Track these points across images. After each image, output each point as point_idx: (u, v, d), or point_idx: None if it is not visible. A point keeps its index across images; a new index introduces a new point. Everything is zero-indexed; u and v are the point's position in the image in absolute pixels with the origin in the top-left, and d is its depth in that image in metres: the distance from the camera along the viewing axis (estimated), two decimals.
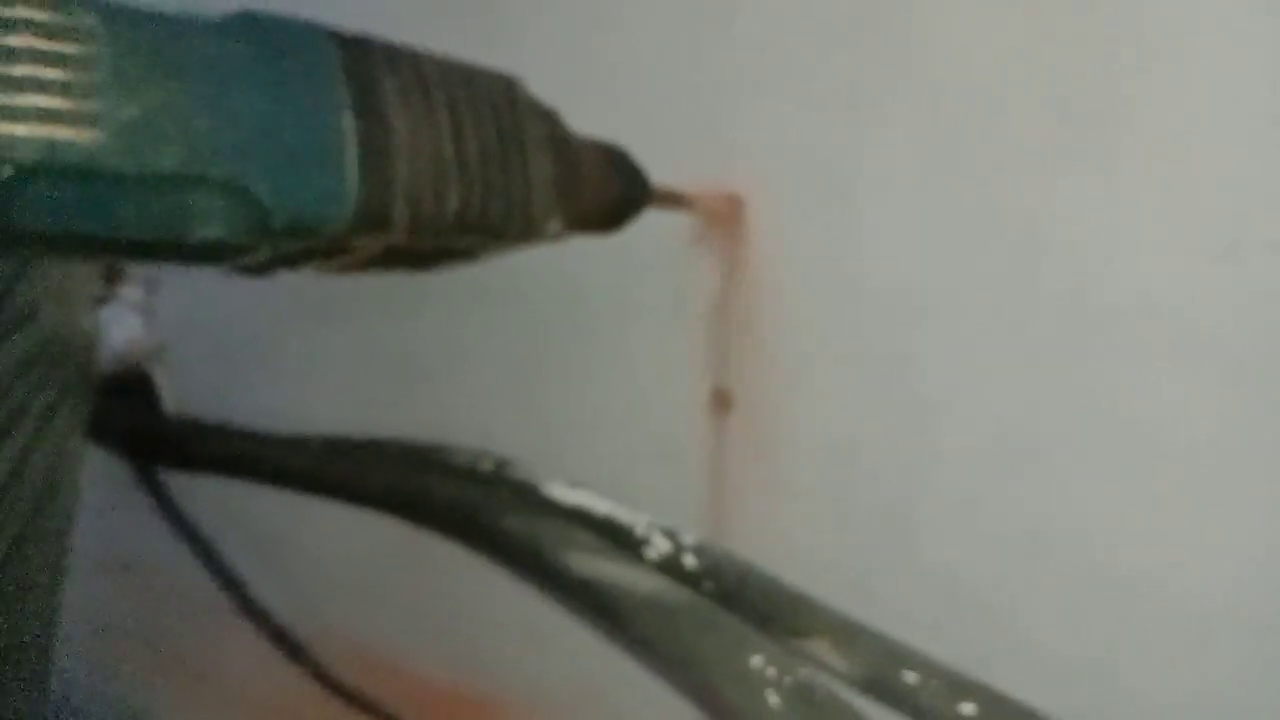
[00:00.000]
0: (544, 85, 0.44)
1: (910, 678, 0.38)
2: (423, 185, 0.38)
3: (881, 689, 0.39)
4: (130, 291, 0.83)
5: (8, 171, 0.29)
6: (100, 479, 0.76)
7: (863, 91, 0.51)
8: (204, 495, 0.74)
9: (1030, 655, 0.47)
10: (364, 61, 0.37)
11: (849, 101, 0.51)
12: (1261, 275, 0.41)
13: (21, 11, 0.29)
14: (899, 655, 0.39)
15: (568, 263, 0.51)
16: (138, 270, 0.83)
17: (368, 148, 0.36)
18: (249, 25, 0.35)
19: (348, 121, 0.36)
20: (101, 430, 0.72)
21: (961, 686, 0.38)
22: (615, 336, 0.60)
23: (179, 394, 0.83)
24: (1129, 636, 0.45)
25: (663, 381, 0.59)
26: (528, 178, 0.41)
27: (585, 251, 0.49)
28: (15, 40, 0.29)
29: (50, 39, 0.30)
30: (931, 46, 0.49)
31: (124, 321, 0.82)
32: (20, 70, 0.29)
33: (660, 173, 0.48)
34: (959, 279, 0.49)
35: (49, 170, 0.30)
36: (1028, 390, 0.47)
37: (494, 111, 0.41)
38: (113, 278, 0.81)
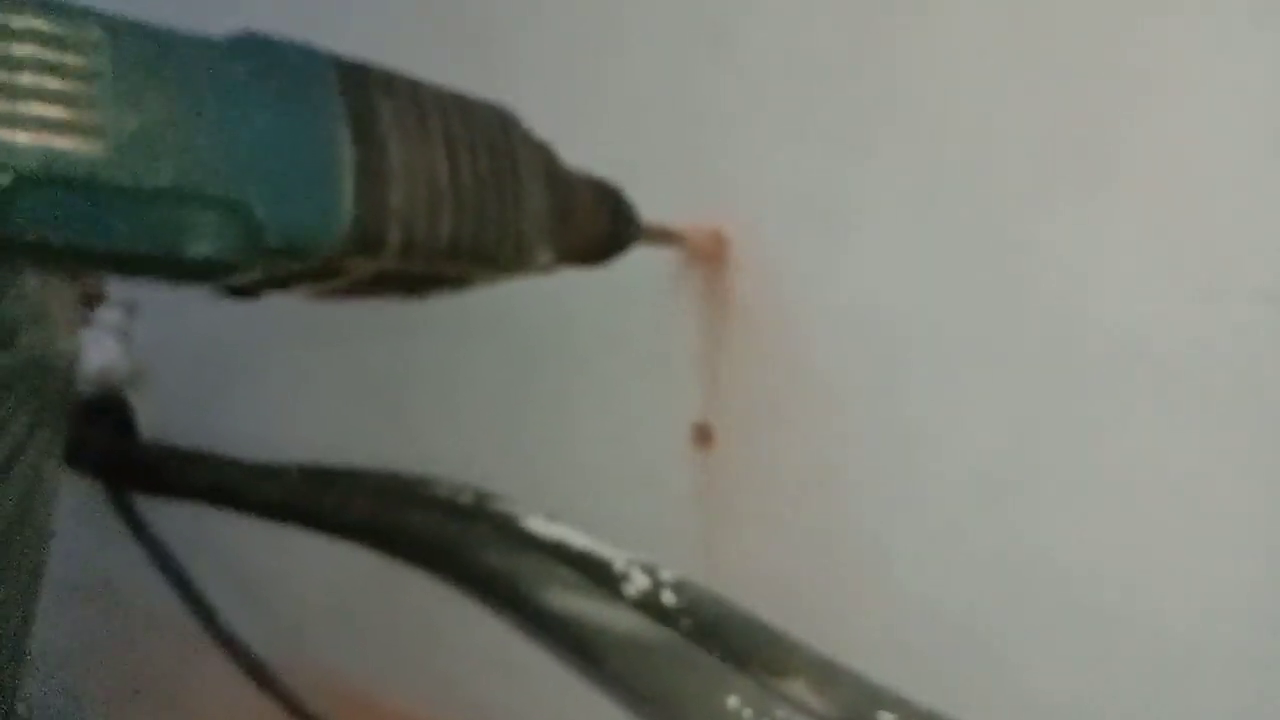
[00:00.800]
0: (532, 117, 0.44)
1: (887, 719, 0.38)
2: (417, 209, 0.38)
3: None
4: (109, 315, 0.82)
5: (7, 179, 0.29)
6: (75, 503, 0.76)
7: (848, 127, 0.51)
8: (178, 521, 0.74)
9: (1012, 689, 0.47)
10: (362, 86, 0.37)
11: (834, 137, 0.52)
12: (1245, 319, 0.42)
13: (28, 21, 0.30)
14: (876, 696, 0.39)
15: (553, 295, 0.51)
16: (117, 294, 0.83)
17: (363, 170, 0.36)
18: (251, 46, 0.35)
19: (344, 144, 0.36)
20: (77, 454, 0.71)
21: None
22: (599, 369, 0.60)
23: (156, 419, 0.83)
24: (1111, 671, 0.45)
25: (646, 415, 0.58)
26: (521, 208, 0.42)
27: (571, 284, 0.49)
28: (20, 50, 0.29)
29: (55, 50, 0.30)
30: (917, 82, 0.49)
31: (102, 345, 0.82)
32: (24, 79, 0.29)
33: (644, 207, 0.49)
34: (943, 313, 0.49)
35: (48, 179, 0.30)
36: (1011, 424, 0.47)
37: (489, 141, 0.41)
38: (91, 301, 0.81)
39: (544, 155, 0.44)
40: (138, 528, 0.74)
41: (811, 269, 0.53)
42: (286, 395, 0.78)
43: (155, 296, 0.82)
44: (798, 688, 0.40)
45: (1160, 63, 0.43)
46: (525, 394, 0.64)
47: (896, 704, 0.38)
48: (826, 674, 0.40)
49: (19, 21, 0.29)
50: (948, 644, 0.49)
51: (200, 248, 0.33)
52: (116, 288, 0.83)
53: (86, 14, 0.31)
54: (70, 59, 0.30)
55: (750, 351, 0.54)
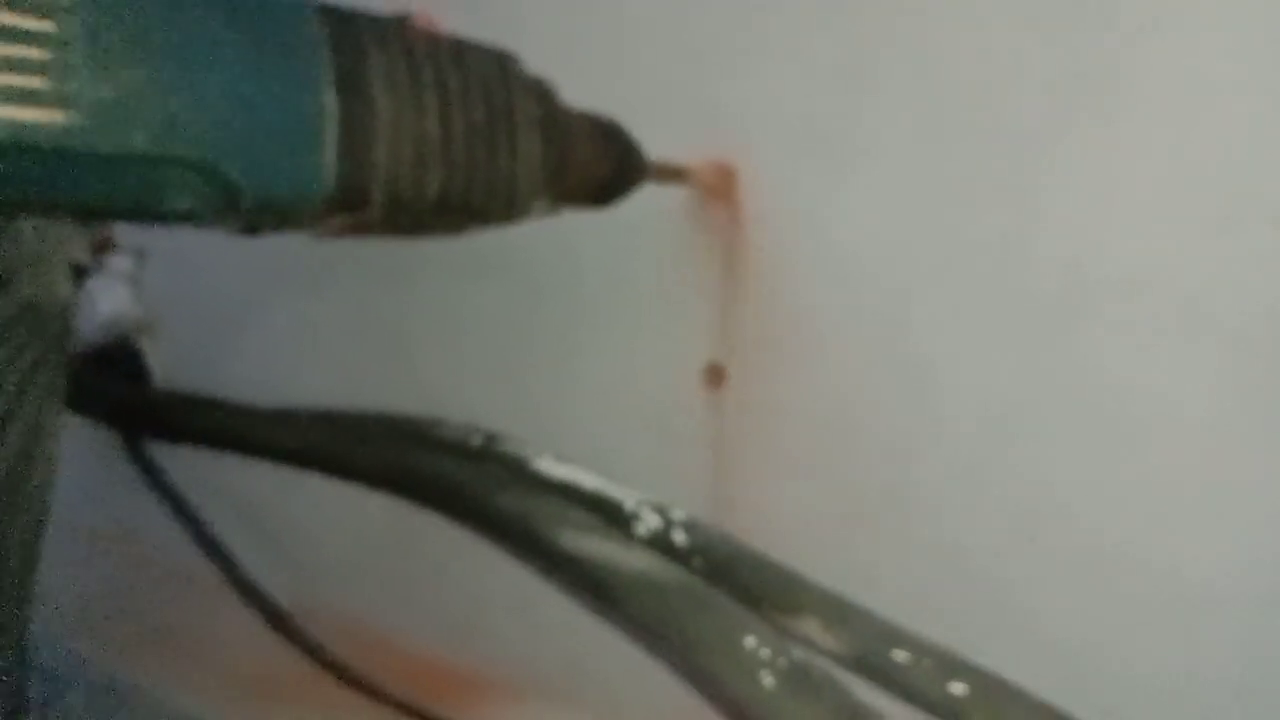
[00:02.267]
0: (533, 56, 0.43)
1: (900, 657, 0.38)
2: (403, 166, 0.37)
3: (871, 668, 0.38)
4: (119, 262, 0.82)
5: None
6: (88, 449, 0.76)
7: (856, 61, 0.51)
8: (192, 467, 0.74)
9: (1024, 628, 0.47)
10: (351, 37, 0.36)
11: (842, 71, 0.51)
12: (1259, 248, 0.41)
13: None
14: (889, 634, 0.39)
15: (560, 234, 0.50)
16: (126, 241, 0.82)
17: (349, 127, 0.36)
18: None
19: (330, 99, 0.35)
20: (89, 401, 0.71)
21: (952, 666, 0.37)
22: (608, 309, 0.60)
23: (167, 365, 0.83)
24: (1124, 611, 0.45)
25: (656, 355, 0.58)
26: (515, 158, 0.41)
27: (577, 224, 0.48)
28: None
29: (25, 15, 0.29)
30: (925, 15, 0.48)
31: (112, 293, 0.82)
32: None
33: (651, 143, 0.48)
34: (954, 249, 0.48)
35: (18, 148, 0.30)
36: (1023, 361, 0.47)
37: (485, 90, 0.40)
38: (101, 248, 0.81)
39: (543, 100, 0.43)
40: (153, 475, 0.75)
41: (820, 204, 0.52)
42: (295, 340, 0.78)
43: (165, 244, 0.81)
44: (810, 626, 0.40)
45: None
46: (533, 335, 0.64)
47: (909, 641, 0.38)
48: (838, 612, 0.40)
49: None
50: (960, 583, 0.49)
51: (177, 204, 0.33)
52: (126, 235, 0.83)
53: None
54: (42, 25, 0.30)
55: (760, 290, 0.54)
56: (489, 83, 0.40)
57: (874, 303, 0.51)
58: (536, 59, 0.44)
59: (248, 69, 0.34)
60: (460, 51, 0.40)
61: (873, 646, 0.39)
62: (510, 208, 0.42)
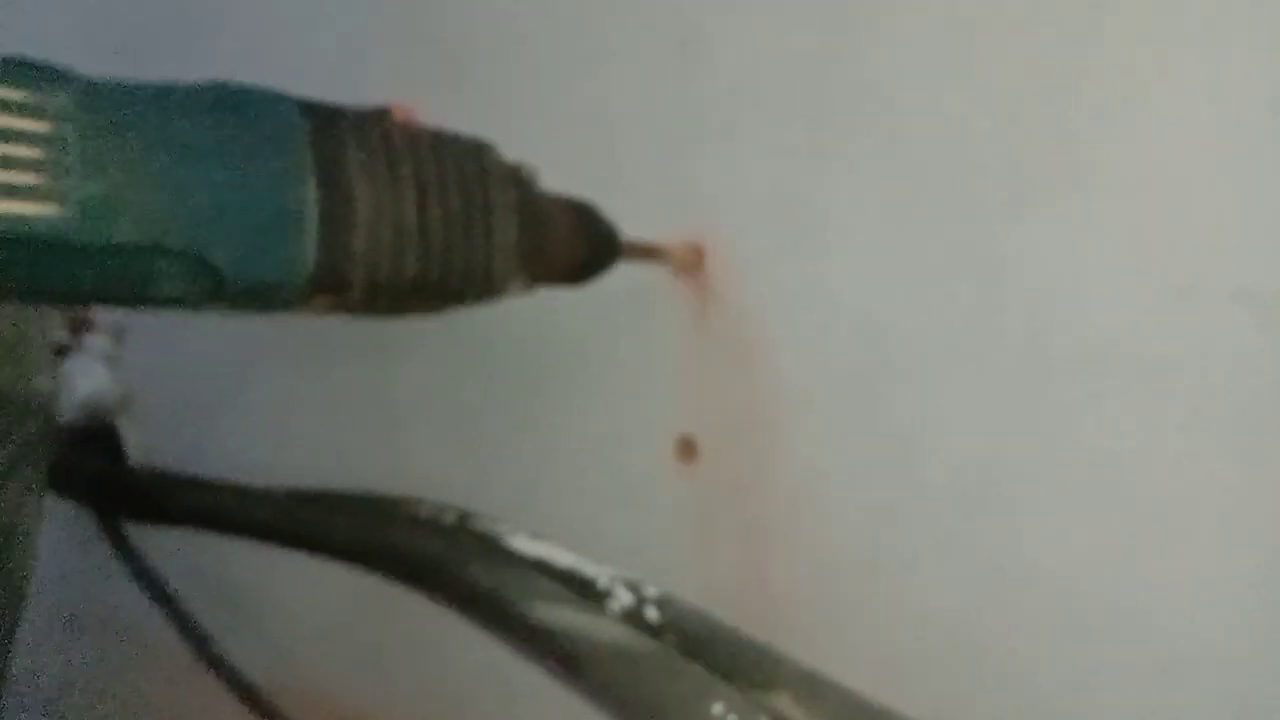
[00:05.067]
0: (509, 136, 0.44)
1: None
2: (381, 252, 0.39)
3: None
4: (97, 341, 0.82)
5: None
6: (64, 530, 0.76)
7: (823, 138, 0.51)
8: (170, 547, 0.74)
9: (1003, 696, 0.47)
10: (331, 132, 0.38)
11: (810, 148, 0.52)
12: (1220, 318, 0.42)
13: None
14: (862, 709, 0.39)
15: (536, 311, 0.51)
16: (105, 320, 0.83)
17: (328, 217, 0.37)
18: (221, 96, 0.36)
19: (310, 192, 0.37)
20: (66, 481, 0.71)
21: None
22: (582, 384, 0.60)
23: (145, 444, 0.83)
24: (1103, 674, 0.45)
25: (630, 429, 0.58)
26: (490, 242, 0.42)
27: (551, 302, 0.49)
28: None
29: (23, 118, 0.31)
30: (893, 91, 0.49)
31: (90, 372, 0.82)
32: None
33: (623, 222, 0.49)
34: (923, 320, 0.49)
35: (12, 239, 0.31)
36: (993, 429, 0.47)
37: (461, 179, 0.41)
38: (79, 328, 0.81)
39: (519, 186, 0.44)
40: (128, 554, 0.74)
41: (791, 279, 0.53)
42: (275, 418, 0.78)
43: (143, 322, 0.82)
44: (783, 701, 0.40)
45: (1130, 68, 0.44)
46: (509, 410, 0.64)
47: (882, 716, 0.39)
48: (811, 687, 0.40)
49: None
50: (937, 653, 0.49)
51: (165, 291, 0.35)
52: (104, 314, 0.83)
53: (54, 78, 0.32)
54: (37, 127, 0.31)
55: (732, 363, 0.54)
56: (465, 171, 0.42)
57: (845, 375, 0.52)
58: (516, 143, 0.45)
59: (231, 163, 0.35)
60: (438, 142, 0.41)
61: None
62: (486, 289, 0.43)
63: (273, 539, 0.57)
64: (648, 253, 0.52)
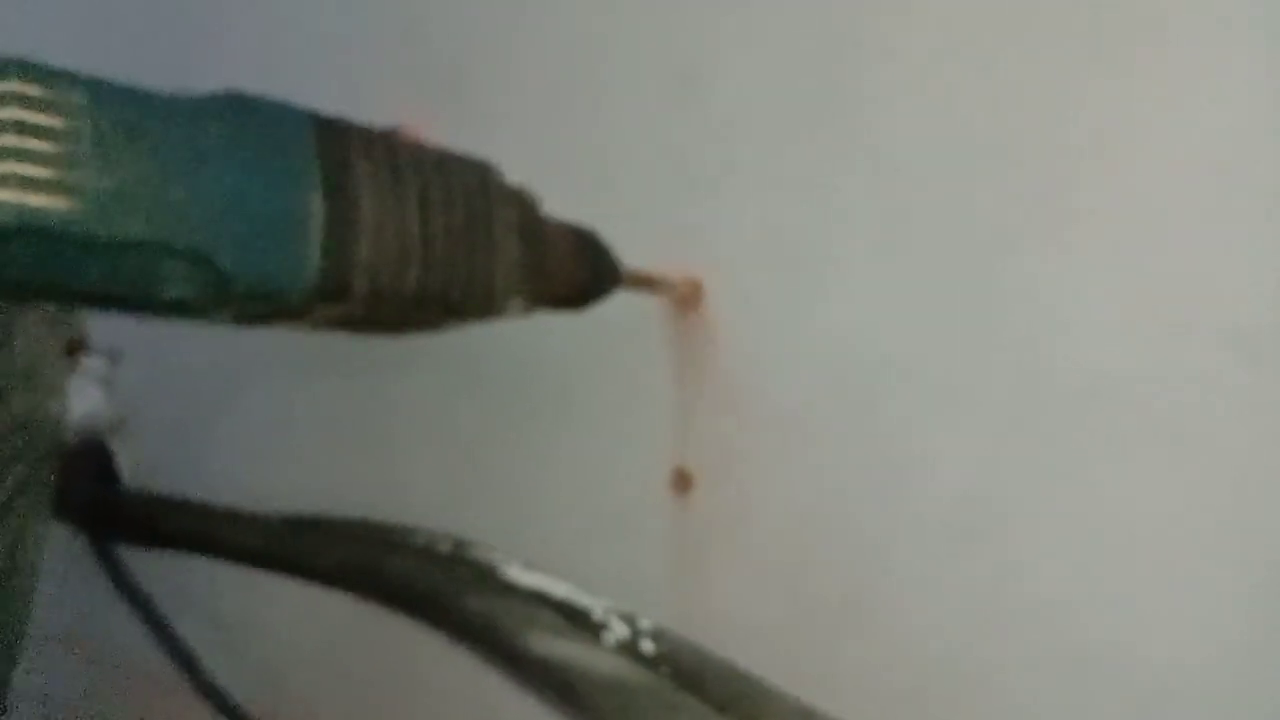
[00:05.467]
0: (507, 166, 0.45)
1: None
2: (384, 262, 0.39)
3: None
4: (92, 363, 0.82)
5: None
6: (55, 552, 0.75)
7: (819, 174, 0.52)
8: (162, 571, 0.73)
9: None
10: (339, 143, 0.39)
11: (806, 184, 0.52)
12: (1211, 356, 0.42)
13: (13, 86, 0.31)
14: None
15: (530, 341, 0.51)
16: (100, 342, 0.83)
17: (333, 226, 0.38)
18: (232, 104, 0.37)
19: (316, 201, 0.37)
20: (58, 503, 0.71)
21: None
22: (576, 414, 0.61)
23: (139, 467, 0.83)
24: (1096, 707, 0.45)
25: (624, 460, 0.59)
26: (493, 258, 0.43)
27: (547, 330, 0.49)
28: (4, 112, 0.31)
29: (37, 112, 0.32)
30: (887, 131, 0.50)
31: (84, 394, 0.82)
32: (6, 140, 0.31)
33: (620, 253, 0.49)
34: (916, 356, 0.49)
35: (24, 232, 0.32)
36: (985, 463, 0.48)
37: (465, 196, 0.42)
38: (74, 350, 0.81)
39: (522, 208, 0.45)
40: (120, 577, 0.74)
41: (786, 313, 0.53)
42: (269, 440, 0.78)
43: (138, 343, 0.82)
44: None
45: (1125, 103, 0.44)
46: (503, 437, 0.64)
47: None
48: None
49: (3, 86, 0.31)
50: (930, 686, 0.49)
51: (171, 291, 0.35)
52: (99, 336, 0.83)
53: (71, 78, 0.33)
54: (52, 121, 0.32)
55: (727, 396, 0.55)
56: (469, 189, 0.43)
57: (838, 407, 0.52)
58: (514, 174, 0.45)
59: (240, 167, 0.36)
60: (443, 160, 0.42)
61: None
62: (487, 306, 0.43)
63: (266, 565, 0.57)
64: (647, 283, 0.53)
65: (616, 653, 0.43)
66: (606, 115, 0.59)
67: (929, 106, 0.49)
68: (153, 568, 0.74)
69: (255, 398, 0.78)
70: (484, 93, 0.64)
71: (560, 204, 0.47)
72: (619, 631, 0.44)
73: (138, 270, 0.34)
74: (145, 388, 0.84)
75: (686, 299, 0.54)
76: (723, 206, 0.55)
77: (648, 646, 0.43)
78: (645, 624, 0.44)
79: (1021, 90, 0.46)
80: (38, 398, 0.51)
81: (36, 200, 0.31)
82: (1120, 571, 0.45)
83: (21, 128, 0.31)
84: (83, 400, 0.81)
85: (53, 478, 0.52)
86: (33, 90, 0.32)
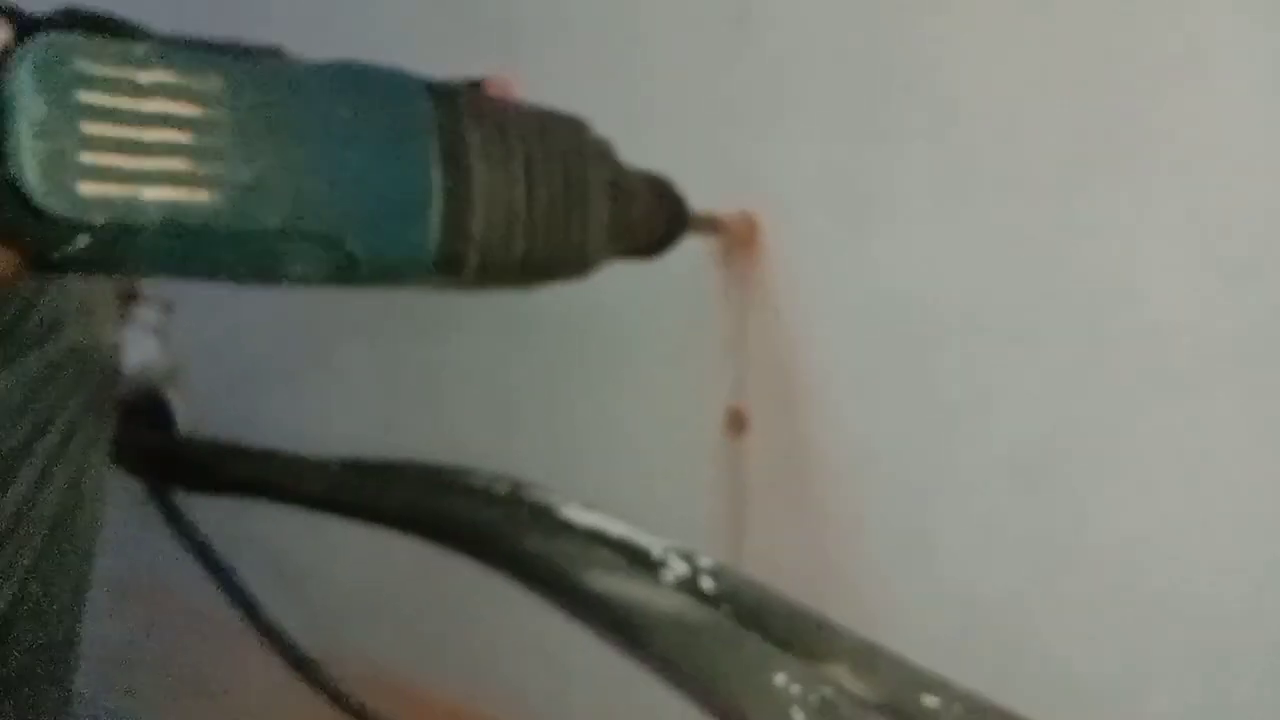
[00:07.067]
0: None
1: (930, 701, 0.38)
2: (495, 234, 0.40)
3: (901, 713, 0.38)
4: (146, 313, 0.83)
5: (134, 230, 0.31)
6: (115, 500, 0.76)
7: (877, 115, 0.51)
8: (220, 517, 0.74)
9: (1051, 672, 0.47)
10: (454, 115, 0.39)
11: (863, 125, 0.52)
12: (1275, 295, 0.41)
13: (155, 75, 0.31)
14: (918, 679, 0.39)
15: (586, 286, 0.51)
16: (153, 292, 0.83)
17: (450, 201, 0.38)
18: (353, 79, 0.37)
19: (436, 176, 0.38)
20: (116, 452, 0.72)
21: (982, 711, 0.37)
22: (633, 357, 0.61)
23: (194, 415, 0.83)
24: (1153, 653, 0.45)
25: (680, 401, 0.59)
26: (586, 225, 0.44)
27: (604, 274, 0.49)
28: (149, 105, 0.31)
29: (179, 102, 0.32)
30: (946, 69, 0.49)
31: (140, 344, 0.82)
32: (151, 135, 0.31)
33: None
34: (975, 297, 0.49)
35: (171, 226, 0.32)
36: (1046, 407, 0.47)
37: (563, 159, 0.43)
38: (128, 300, 0.81)
39: (610, 164, 0.45)
40: (180, 524, 0.75)
41: (842, 254, 0.53)
42: (323, 389, 0.79)
43: (190, 293, 0.82)
44: (840, 671, 0.40)
45: (1190, 44, 0.43)
46: (559, 383, 0.64)
47: (938, 687, 0.39)
48: (868, 657, 0.40)
49: (146, 76, 0.31)
50: (986, 628, 0.49)
51: (295, 271, 0.36)
52: (152, 287, 0.84)
53: (206, 62, 0.33)
54: (193, 111, 0.32)
55: (783, 337, 0.54)
56: (566, 151, 0.43)
57: (895, 348, 0.52)
58: None
59: (369, 151, 0.36)
60: (542, 121, 0.43)
61: (903, 692, 0.39)
62: (580, 267, 0.45)
63: (327, 509, 0.58)
64: (708, 225, 0.53)
65: (676, 590, 0.43)
66: (663, 54, 0.59)
67: (987, 47, 0.48)
68: (213, 516, 0.75)
69: (309, 346, 0.78)
70: (536, 35, 0.64)
71: (618, 146, 0.46)
72: (678, 569, 0.44)
73: (267, 255, 0.35)
74: (199, 337, 0.84)
75: (742, 238, 0.54)
76: (778, 146, 0.54)
77: (708, 584, 0.43)
78: (705, 561, 0.44)
79: (1083, 30, 0.46)
80: (93, 328, 0.51)
81: (180, 195, 0.31)
82: (1189, 520, 0.44)
83: (166, 120, 0.31)
84: (138, 350, 0.82)
85: (112, 413, 0.53)
86: (168, 77, 0.31)
